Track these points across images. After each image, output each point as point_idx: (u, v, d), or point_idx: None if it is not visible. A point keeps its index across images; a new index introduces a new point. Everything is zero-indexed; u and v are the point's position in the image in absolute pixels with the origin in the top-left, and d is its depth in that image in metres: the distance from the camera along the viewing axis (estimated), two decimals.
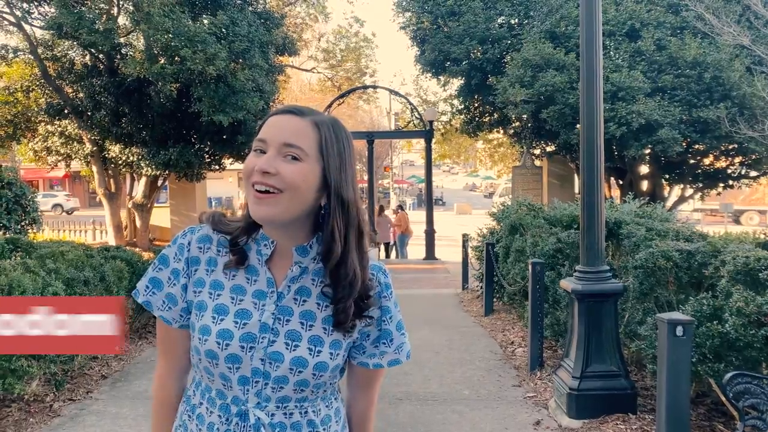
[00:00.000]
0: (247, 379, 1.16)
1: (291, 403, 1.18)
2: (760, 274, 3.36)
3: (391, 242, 16.40)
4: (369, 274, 1.22)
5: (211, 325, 1.17)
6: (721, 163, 13.20)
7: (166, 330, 1.28)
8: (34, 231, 7.45)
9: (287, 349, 1.16)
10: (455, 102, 16.98)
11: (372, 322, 1.24)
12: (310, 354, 1.17)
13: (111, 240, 13.78)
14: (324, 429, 1.22)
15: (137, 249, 11.67)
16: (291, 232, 1.19)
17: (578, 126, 10.65)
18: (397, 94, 18.58)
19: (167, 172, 13.17)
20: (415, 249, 16.50)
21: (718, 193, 14.65)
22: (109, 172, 13.82)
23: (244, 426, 1.17)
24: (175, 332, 1.26)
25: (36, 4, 12.11)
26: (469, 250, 9.88)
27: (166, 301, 1.24)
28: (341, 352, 1.20)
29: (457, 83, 15.79)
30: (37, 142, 13.98)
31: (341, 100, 17.99)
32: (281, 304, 1.19)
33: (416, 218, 21.34)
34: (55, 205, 33.51)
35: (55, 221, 20.06)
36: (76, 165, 15.26)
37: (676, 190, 14.25)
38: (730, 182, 13.48)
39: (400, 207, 17.70)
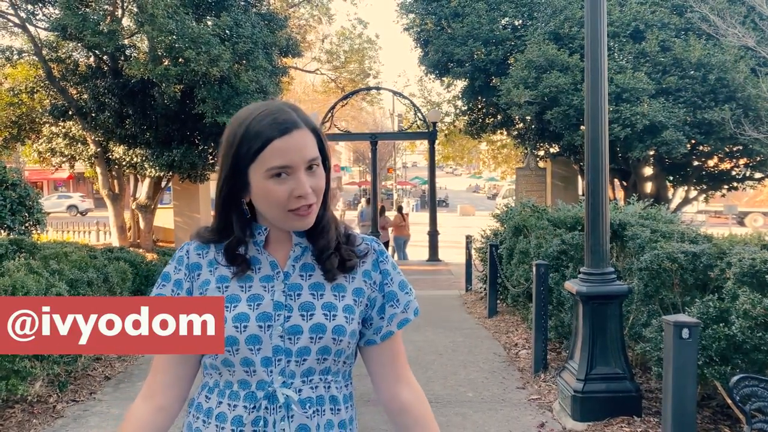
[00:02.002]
0: (270, 360, 1.19)
1: (315, 375, 1.21)
2: (766, 276, 3.34)
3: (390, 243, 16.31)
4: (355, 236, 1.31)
5: (226, 313, 1.19)
6: (726, 165, 13.14)
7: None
8: (38, 232, 7.45)
9: (303, 319, 1.20)
10: (459, 103, 16.93)
11: (375, 287, 1.28)
12: (326, 318, 1.21)
13: (114, 241, 13.79)
14: (345, 407, 1.25)
15: (141, 250, 11.69)
16: None
17: (582, 127, 10.67)
18: (400, 95, 18.55)
19: (171, 173, 13.17)
20: (418, 250, 16.48)
21: (723, 195, 14.58)
22: (113, 173, 13.82)
23: (273, 408, 1.18)
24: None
25: (40, 5, 12.13)
26: (473, 252, 9.85)
27: None
28: (355, 317, 1.24)
29: (460, 84, 15.76)
30: (41, 144, 13.99)
31: (344, 102, 17.98)
32: (289, 282, 1.24)
33: (419, 219, 21.32)
34: (71, 206, 33.82)
35: (58, 222, 20.08)
36: (80, 166, 15.27)
37: (680, 192, 14.18)
38: (735, 184, 13.43)
39: (400, 208, 17.62)
